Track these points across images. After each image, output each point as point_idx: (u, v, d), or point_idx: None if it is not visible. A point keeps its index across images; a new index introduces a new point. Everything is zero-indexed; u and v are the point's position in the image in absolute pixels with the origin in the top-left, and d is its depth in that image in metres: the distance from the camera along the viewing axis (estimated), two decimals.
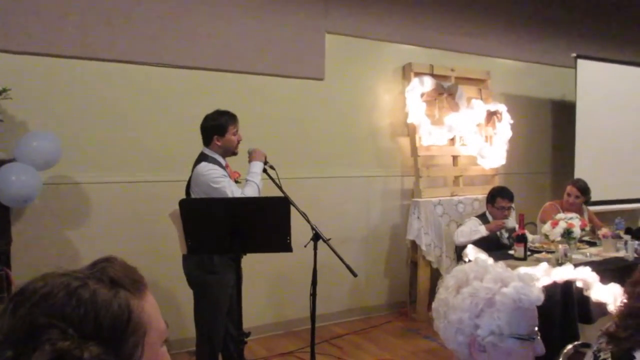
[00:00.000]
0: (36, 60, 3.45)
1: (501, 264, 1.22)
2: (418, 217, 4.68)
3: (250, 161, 3.07)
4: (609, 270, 3.40)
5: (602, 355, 1.51)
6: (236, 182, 3.06)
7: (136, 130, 3.79)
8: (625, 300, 1.56)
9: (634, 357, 1.41)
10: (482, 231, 4.06)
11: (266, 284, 4.31)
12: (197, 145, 3.11)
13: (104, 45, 3.61)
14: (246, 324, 2.61)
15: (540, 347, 1.16)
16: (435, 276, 4.78)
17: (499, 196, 4.19)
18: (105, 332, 0.67)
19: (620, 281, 3.08)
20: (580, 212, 4.37)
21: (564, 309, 3.30)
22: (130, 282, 0.74)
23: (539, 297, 1.14)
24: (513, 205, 4.27)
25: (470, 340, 1.14)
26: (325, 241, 2.71)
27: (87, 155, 3.63)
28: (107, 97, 3.69)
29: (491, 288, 1.13)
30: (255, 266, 3.75)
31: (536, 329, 1.17)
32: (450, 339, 1.18)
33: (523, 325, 1.13)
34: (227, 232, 2.30)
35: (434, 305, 1.25)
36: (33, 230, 3.45)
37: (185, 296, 3.25)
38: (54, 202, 3.52)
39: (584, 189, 4.45)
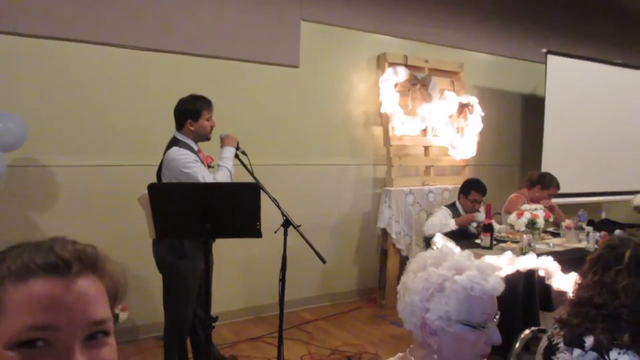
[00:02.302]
0: (1, 39, 3.35)
1: (467, 252, 1.25)
2: (389, 206, 4.74)
3: (222, 146, 3.06)
4: (570, 260, 3.50)
5: (556, 339, 1.58)
6: (209, 167, 3.06)
7: (106, 113, 3.72)
8: (575, 290, 1.64)
9: (584, 342, 1.48)
10: (452, 225, 4.11)
11: (237, 270, 4.31)
12: (169, 129, 3.09)
13: (73, 26, 3.53)
14: (216, 309, 2.62)
15: (496, 336, 1.18)
16: (405, 264, 4.85)
17: (474, 189, 4.23)
18: None
19: None
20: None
21: (526, 296, 3.41)
22: (27, 263, 0.66)
23: (494, 287, 1.15)
24: (483, 198, 4.33)
25: (422, 323, 1.18)
26: (296, 227, 2.74)
27: (55, 138, 3.55)
28: (76, 78, 3.61)
29: (444, 274, 1.16)
30: (226, 252, 3.75)
31: (496, 318, 1.19)
32: (406, 320, 1.22)
33: (474, 313, 1.15)
34: (197, 217, 2.30)
35: (398, 287, 1.30)
36: None
37: (154, 281, 3.24)
38: (19, 185, 3.44)
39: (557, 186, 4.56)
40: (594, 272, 1.55)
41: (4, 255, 0.69)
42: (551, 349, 1.58)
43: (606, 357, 1.44)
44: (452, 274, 1.16)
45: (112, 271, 0.75)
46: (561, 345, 1.54)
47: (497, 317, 1.22)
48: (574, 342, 1.51)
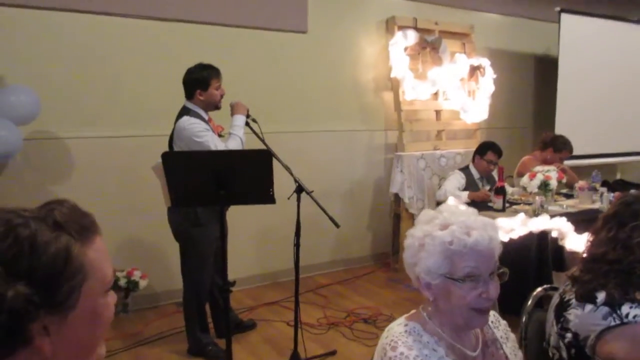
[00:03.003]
0: (12, 12, 3.35)
1: (472, 210, 1.26)
2: (401, 171, 4.74)
3: (232, 114, 3.06)
4: (583, 221, 3.49)
5: (567, 296, 1.60)
6: (220, 135, 3.07)
7: (118, 84, 3.74)
8: (588, 247, 1.65)
9: (596, 297, 1.50)
10: (464, 198, 4.04)
11: (252, 237, 4.38)
12: (179, 99, 3.09)
13: None
14: (232, 276, 2.68)
15: (492, 290, 1.18)
16: None
17: (490, 150, 4.18)
18: (38, 274, 0.65)
19: None
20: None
21: (539, 257, 3.43)
22: (76, 226, 0.72)
23: (476, 241, 1.14)
24: (498, 160, 4.27)
25: (414, 277, 1.23)
26: (308, 193, 2.76)
27: (68, 111, 3.59)
28: (87, 50, 3.61)
29: (426, 230, 1.19)
30: (240, 220, 3.80)
31: (488, 272, 1.18)
32: (409, 275, 1.27)
33: (456, 267, 1.16)
34: (211, 184, 2.33)
35: None
36: (14, 186, 3.43)
37: (171, 249, 3.31)
38: (35, 158, 3.50)
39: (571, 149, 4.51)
40: (609, 229, 1.56)
41: (42, 223, 0.71)
42: (563, 306, 1.60)
43: (618, 311, 1.46)
44: (436, 229, 1.18)
45: None
46: (573, 301, 1.56)
47: (500, 271, 1.21)
48: (585, 297, 1.53)
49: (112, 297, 0.78)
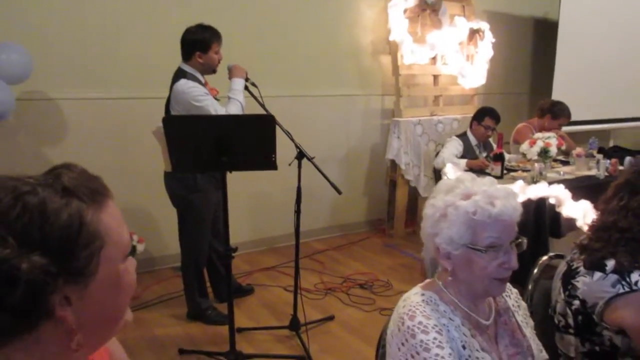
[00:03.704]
0: None
1: (490, 179, 1.24)
2: (398, 137, 4.71)
3: (230, 78, 2.98)
4: (580, 188, 3.52)
5: (575, 264, 1.61)
6: (215, 99, 3.00)
7: (112, 44, 3.62)
8: (598, 216, 1.64)
9: (606, 265, 1.51)
10: (462, 165, 4.02)
11: (247, 203, 4.35)
12: (176, 60, 3.00)
13: None
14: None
15: (513, 261, 1.18)
16: (413, 194, 4.90)
17: (488, 115, 4.14)
18: (52, 242, 0.62)
19: (591, 198, 3.23)
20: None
21: (535, 223, 3.45)
22: (87, 191, 0.68)
23: (501, 211, 1.13)
24: (496, 127, 4.25)
25: (434, 247, 1.22)
26: (310, 159, 2.73)
27: (61, 71, 3.48)
28: (81, 8, 3.48)
29: (448, 200, 1.17)
30: (237, 185, 3.76)
31: (513, 242, 1.19)
32: (426, 245, 1.26)
33: (479, 237, 1.16)
34: (213, 150, 2.28)
35: None
36: (8, 148, 3.36)
37: (167, 213, 3.28)
38: (28, 119, 3.41)
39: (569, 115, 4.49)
40: (620, 198, 1.55)
41: (49, 190, 0.66)
42: (570, 273, 1.61)
43: (627, 279, 1.47)
44: (458, 199, 1.16)
45: None
46: (581, 269, 1.57)
47: (518, 241, 1.22)
48: (595, 265, 1.53)
49: (131, 263, 0.75)
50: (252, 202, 4.40)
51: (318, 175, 2.75)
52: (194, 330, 3.14)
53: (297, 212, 2.82)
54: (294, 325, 3.01)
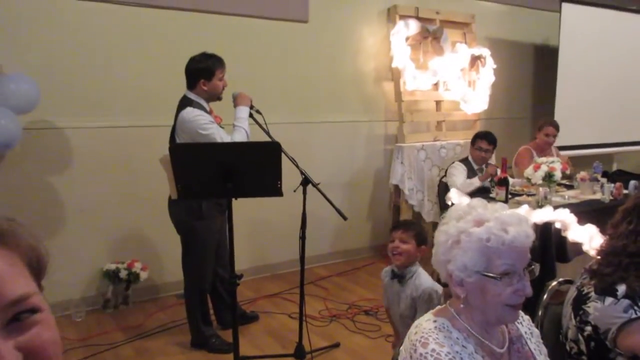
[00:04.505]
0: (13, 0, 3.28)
1: (500, 205, 1.24)
2: (401, 162, 4.72)
3: (235, 106, 3.00)
4: (585, 212, 3.52)
5: (586, 289, 1.59)
6: (220, 127, 3.02)
7: (117, 73, 3.67)
8: (607, 240, 1.64)
9: (617, 290, 1.49)
10: (476, 182, 4.02)
11: (249, 229, 4.33)
12: (180, 89, 3.04)
13: None
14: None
15: (527, 288, 1.17)
16: (417, 220, 4.88)
17: (479, 138, 4.18)
18: None
19: (596, 222, 3.22)
20: (550, 152, 4.48)
21: (542, 248, 3.43)
22: None
23: (514, 237, 1.12)
24: (491, 149, 4.25)
25: (447, 274, 1.21)
26: (315, 185, 2.73)
27: (68, 100, 3.52)
28: (87, 39, 3.54)
29: (461, 227, 1.16)
30: (239, 211, 3.76)
31: (527, 268, 1.18)
32: (439, 271, 1.25)
33: (493, 264, 1.15)
34: (218, 177, 2.29)
35: None
36: (14, 177, 3.37)
37: (169, 240, 3.28)
38: (34, 148, 3.43)
39: (558, 127, 4.52)
40: (629, 222, 1.55)
41: None
42: (581, 299, 1.59)
43: (639, 304, 1.46)
44: (470, 226, 1.16)
45: (28, 240, 0.63)
46: (592, 294, 1.55)
47: (531, 267, 1.21)
48: (606, 290, 1.52)
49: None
50: (255, 228, 4.38)
51: (321, 201, 2.74)
52: (198, 358, 3.10)
53: (302, 238, 2.80)
54: (300, 353, 2.95)
